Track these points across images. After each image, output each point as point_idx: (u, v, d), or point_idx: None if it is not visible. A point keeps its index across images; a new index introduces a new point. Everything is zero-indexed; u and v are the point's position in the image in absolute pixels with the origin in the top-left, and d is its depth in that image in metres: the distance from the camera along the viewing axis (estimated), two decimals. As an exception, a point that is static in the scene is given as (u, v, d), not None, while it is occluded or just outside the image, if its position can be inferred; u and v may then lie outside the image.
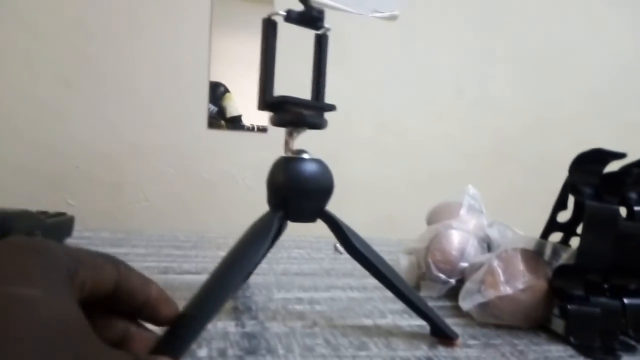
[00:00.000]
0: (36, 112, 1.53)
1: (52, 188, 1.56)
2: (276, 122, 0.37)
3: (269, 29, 0.36)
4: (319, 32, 0.39)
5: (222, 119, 1.81)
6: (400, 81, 1.91)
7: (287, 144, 0.37)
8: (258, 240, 0.32)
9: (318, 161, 0.36)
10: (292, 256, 0.61)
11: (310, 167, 0.35)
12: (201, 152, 1.71)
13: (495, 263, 0.41)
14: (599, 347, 0.38)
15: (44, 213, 0.56)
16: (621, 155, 0.39)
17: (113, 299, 0.21)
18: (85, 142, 1.58)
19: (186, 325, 0.24)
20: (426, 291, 0.49)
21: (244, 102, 1.88)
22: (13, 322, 0.15)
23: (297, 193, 0.35)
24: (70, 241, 0.60)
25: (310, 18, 0.36)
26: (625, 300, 0.42)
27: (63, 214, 0.59)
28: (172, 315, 0.23)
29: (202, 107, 1.69)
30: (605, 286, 0.42)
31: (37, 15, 1.46)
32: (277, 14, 0.35)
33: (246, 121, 1.91)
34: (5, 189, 1.52)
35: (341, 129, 1.81)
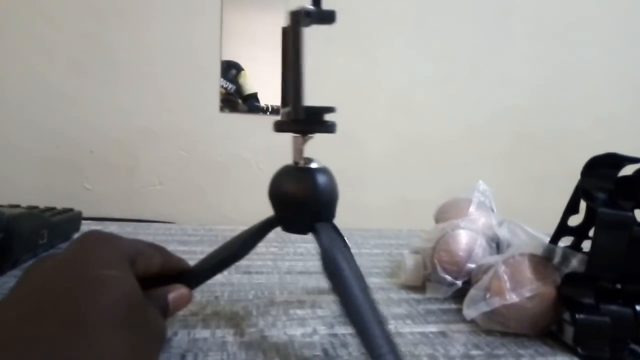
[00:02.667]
0: (50, 99, 1.54)
1: (69, 173, 1.59)
2: (289, 130, 0.35)
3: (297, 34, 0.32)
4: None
5: (239, 97, 1.80)
6: (415, 61, 1.87)
7: (299, 151, 0.35)
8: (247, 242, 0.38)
9: (325, 170, 0.36)
10: (298, 252, 0.61)
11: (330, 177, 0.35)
12: (214, 135, 1.71)
13: (502, 269, 0.40)
14: (608, 358, 0.37)
15: (52, 209, 0.57)
16: (637, 160, 0.37)
17: (158, 275, 0.32)
18: (99, 127, 1.59)
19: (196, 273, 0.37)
20: (432, 292, 0.48)
21: (258, 80, 1.86)
22: (108, 292, 0.24)
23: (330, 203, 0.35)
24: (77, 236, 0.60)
25: (327, 14, 0.33)
26: (638, 308, 0.40)
27: (70, 210, 0.59)
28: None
29: (214, 91, 1.68)
30: (618, 293, 0.40)
31: (50, 2, 1.46)
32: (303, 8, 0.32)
33: (262, 99, 1.90)
34: (23, 175, 1.54)
35: (355, 110, 1.79)
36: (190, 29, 1.64)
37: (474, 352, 0.36)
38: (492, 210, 0.54)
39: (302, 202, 0.34)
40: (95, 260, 0.26)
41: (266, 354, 0.34)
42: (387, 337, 0.28)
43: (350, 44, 1.74)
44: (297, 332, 0.38)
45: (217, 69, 1.67)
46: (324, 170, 0.35)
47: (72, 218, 0.58)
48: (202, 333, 0.36)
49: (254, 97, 1.85)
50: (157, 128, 1.62)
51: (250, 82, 1.81)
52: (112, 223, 0.69)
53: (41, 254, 0.52)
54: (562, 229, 0.42)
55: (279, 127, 0.35)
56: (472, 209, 0.53)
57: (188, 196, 1.68)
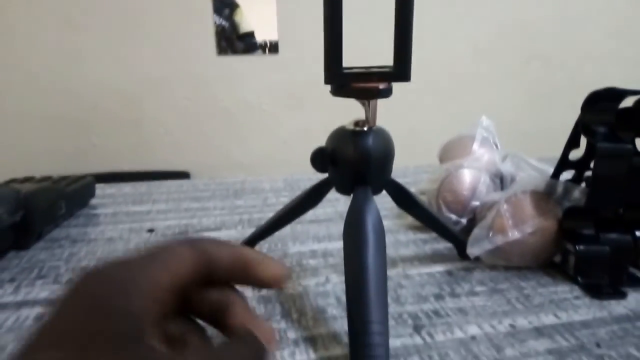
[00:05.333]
0: (48, 58, 1.52)
1: (76, 130, 1.60)
2: (345, 95, 0.34)
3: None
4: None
5: (235, 36, 1.76)
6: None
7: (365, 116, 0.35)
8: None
9: (384, 132, 0.36)
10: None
11: (385, 139, 0.36)
12: (214, 80, 1.69)
13: (504, 208, 0.41)
14: (607, 285, 0.39)
15: (65, 178, 0.58)
16: (637, 92, 0.36)
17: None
18: (100, 81, 1.58)
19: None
20: (438, 231, 0.50)
21: (255, 17, 1.80)
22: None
23: (381, 165, 0.36)
24: (94, 201, 0.62)
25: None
26: (638, 233, 0.41)
27: (83, 177, 0.60)
28: (267, 277, 0.24)
29: (210, 34, 1.64)
30: (618, 221, 0.41)
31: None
32: None
33: (258, 37, 1.85)
34: (32, 135, 1.56)
35: (355, 37, 1.74)
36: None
37: (479, 289, 0.38)
38: (496, 146, 0.55)
39: (342, 164, 0.35)
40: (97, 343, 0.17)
41: (283, 305, 0.36)
42: (384, 315, 0.29)
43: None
44: (311, 282, 0.40)
45: (209, 12, 1.61)
46: (376, 134, 0.35)
47: (86, 185, 0.59)
48: (222, 290, 0.39)
49: (250, 35, 1.80)
50: (157, 77, 1.60)
51: (247, 20, 1.75)
52: (125, 184, 0.70)
53: (62, 223, 0.54)
54: (564, 163, 0.42)
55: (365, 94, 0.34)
56: (475, 146, 0.53)
57: (196, 143, 1.69)
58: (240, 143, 1.72)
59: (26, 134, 1.55)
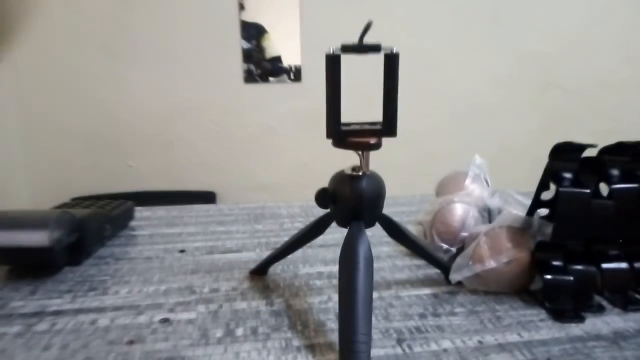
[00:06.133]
0: (92, 86, 1.65)
1: (114, 151, 1.72)
2: (344, 147, 0.41)
3: (334, 63, 0.38)
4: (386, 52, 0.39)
5: (263, 59, 1.86)
6: (434, 14, 1.86)
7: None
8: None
9: (376, 176, 0.43)
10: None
11: (377, 183, 0.43)
12: (241, 106, 1.80)
13: (483, 240, 0.48)
14: (570, 310, 0.44)
15: (108, 204, 0.67)
16: (592, 146, 0.43)
17: None
18: (137, 107, 1.70)
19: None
20: (431, 258, 0.56)
21: (282, 43, 1.91)
22: None
23: (373, 204, 0.43)
24: (133, 223, 0.71)
25: (367, 47, 0.38)
26: (603, 265, 0.47)
27: (125, 202, 0.69)
28: None
29: (238, 64, 1.75)
30: (585, 254, 0.47)
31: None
32: (337, 50, 0.38)
33: (285, 61, 1.96)
34: (75, 155, 1.69)
35: (375, 69, 1.82)
36: (209, 5, 1.69)
37: (458, 310, 0.45)
38: (486, 182, 0.61)
39: (340, 203, 0.42)
40: None
41: (290, 318, 0.43)
42: (368, 329, 0.36)
43: (369, 2, 1.75)
44: (315, 300, 0.47)
45: (238, 40, 1.73)
46: (368, 178, 0.42)
47: (127, 209, 0.68)
48: (241, 305, 0.46)
49: (277, 59, 1.91)
50: (189, 104, 1.72)
51: (274, 45, 1.86)
52: (159, 208, 0.79)
53: (107, 243, 0.63)
54: (537, 203, 0.48)
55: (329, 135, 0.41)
56: (467, 182, 0.60)
57: (222, 165, 1.80)
58: (264, 165, 1.82)
59: (70, 154, 1.68)
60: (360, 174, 0.42)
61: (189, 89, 1.71)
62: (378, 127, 0.40)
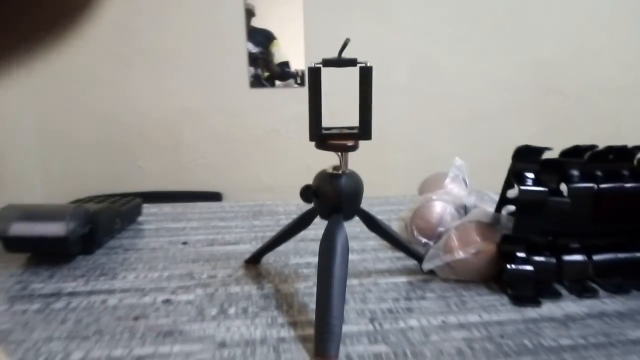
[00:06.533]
0: (100, 89, 1.72)
1: (124, 153, 1.79)
2: (325, 149, 0.46)
3: (315, 75, 0.44)
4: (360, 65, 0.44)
5: (271, 63, 1.93)
6: (434, 21, 1.91)
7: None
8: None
9: (354, 175, 0.48)
10: (314, 221, 0.75)
11: (354, 181, 0.48)
12: (246, 110, 1.86)
13: (453, 233, 0.53)
14: (531, 296, 0.49)
15: (118, 200, 0.73)
16: (548, 149, 0.48)
17: None
18: (146, 111, 1.77)
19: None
20: (412, 251, 0.61)
21: (290, 48, 1.97)
22: None
23: (351, 200, 0.48)
24: (141, 218, 0.77)
25: (344, 61, 0.44)
26: (564, 257, 0.52)
27: (134, 198, 0.75)
28: None
29: (243, 70, 1.81)
30: (548, 246, 0.52)
31: None
32: (318, 63, 0.44)
33: (293, 66, 2.02)
34: (87, 158, 1.76)
35: (377, 75, 1.88)
36: (216, 11, 1.76)
37: (428, 295, 0.50)
38: (465, 182, 0.66)
39: (322, 198, 0.47)
40: None
41: (278, 300, 0.49)
42: (341, 307, 0.41)
43: (370, 10, 1.81)
44: (301, 285, 0.52)
45: (244, 52, 1.79)
46: (347, 177, 0.47)
47: (136, 205, 0.74)
48: (235, 289, 0.52)
49: (285, 64, 1.97)
50: (196, 108, 1.78)
51: (283, 51, 1.92)
52: (165, 204, 0.85)
53: (117, 235, 0.69)
54: (503, 201, 0.53)
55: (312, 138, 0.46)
56: (447, 181, 0.65)
57: (228, 167, 1.86)
58: (268, 167, 1.87)
59: (82, 156, 1.75)
60: (339, 172, 0.47)
61: (196, 94, 1.78)
62: (355, 131, 0.46)
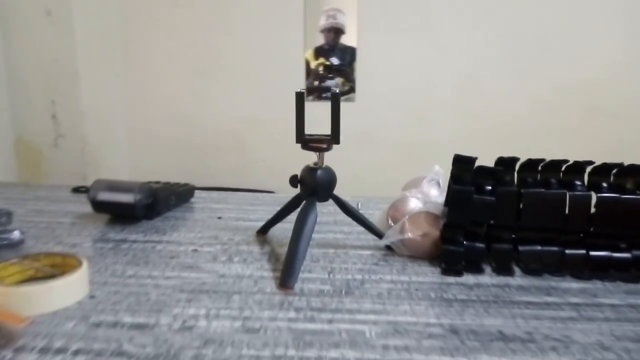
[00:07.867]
0: (181, 98, 2.03)
1: (194, 154, 2.08)
2: (307, 150, 0.66)
3: (300, 98, 0.64)
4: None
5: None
6: (480, 44, 2.01)
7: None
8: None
9: (329, 169, 0.67)
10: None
11: (328, 173, 0.67)
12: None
13: (407, 218, 0.69)
14: (457, 270, 0.64)
15: (178, 184, 0.96)
16: (475, 158, 0.63)
17: None
18: (217, 118, 2.05)
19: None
20: (386, 237, 0.77)
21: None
22: None
23: (325, 187, 0.67)
24: (193, 200, 1.00)
25: (322, 89, 0.64)
26: (494, 245, 0.66)
27: (187, 184, 0.98)
28: None
29: (300, 85, 2.03)
30: (484, 235, 0.67)
31: (172, 20, 1.91)
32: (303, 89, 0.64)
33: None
34: (164, 158, 2.07)
35: (425, 93, 2.01)
36: (279, 38, 2.00)
37: (381, 264, 0.66)
38: (438, 184, 0.81)
39: (304, 185, 0.66)
40: None
41: (269, 256, 0.68)
42: (303, 256, 0.59)
43: (418, 33, 1.96)
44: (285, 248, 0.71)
45: (302, 70, 2.01)
46: (322, 170, 0.66)
47: (189, 189, 0.97)
48: (243, 247, 0.71)
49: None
50: (258, 117, 2.03)
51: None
52: (214, 192, 1.08)
53: (172, 209, 0.91)
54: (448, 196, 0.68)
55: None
56: (424, 183, 0.81)
57: (284, 170, 2.08)
58: (318, 173, 2.07)
59: (159, 156, 2.06)
60: (317, 167, 0.66)
61: (259, 105, 2.03)
62: (329, 137, 0.64)
